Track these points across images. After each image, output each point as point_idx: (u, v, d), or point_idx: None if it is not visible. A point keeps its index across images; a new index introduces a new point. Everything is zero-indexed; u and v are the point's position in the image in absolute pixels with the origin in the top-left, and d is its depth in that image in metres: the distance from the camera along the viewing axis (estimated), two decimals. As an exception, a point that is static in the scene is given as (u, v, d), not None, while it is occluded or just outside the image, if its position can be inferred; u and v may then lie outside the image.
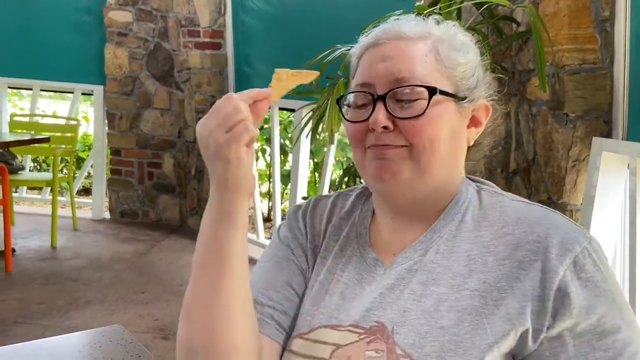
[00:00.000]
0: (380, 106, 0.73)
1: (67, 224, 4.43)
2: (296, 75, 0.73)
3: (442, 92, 0.74)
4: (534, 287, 0.68)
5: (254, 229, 4.16)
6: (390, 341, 0.69)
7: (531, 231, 0.71)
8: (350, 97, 0.78)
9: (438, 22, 0.79)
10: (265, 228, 4.28)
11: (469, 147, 0.81)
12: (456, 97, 0.75)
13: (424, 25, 0.78)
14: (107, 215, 4.86)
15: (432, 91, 0.73)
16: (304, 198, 3.21)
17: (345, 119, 0.78)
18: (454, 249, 0.74)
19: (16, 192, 4.79)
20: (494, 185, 0.82)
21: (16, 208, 4.55)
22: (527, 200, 0.79)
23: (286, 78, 0.73)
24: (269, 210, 4.93)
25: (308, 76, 0.74)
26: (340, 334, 0.73)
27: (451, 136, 0.75)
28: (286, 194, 4.88)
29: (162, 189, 4.74)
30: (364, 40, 0.80)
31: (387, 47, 0.76)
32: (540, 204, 0.77)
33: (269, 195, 5.03)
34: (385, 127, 0.73)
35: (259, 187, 4.41)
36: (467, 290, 0.70)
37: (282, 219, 4.28)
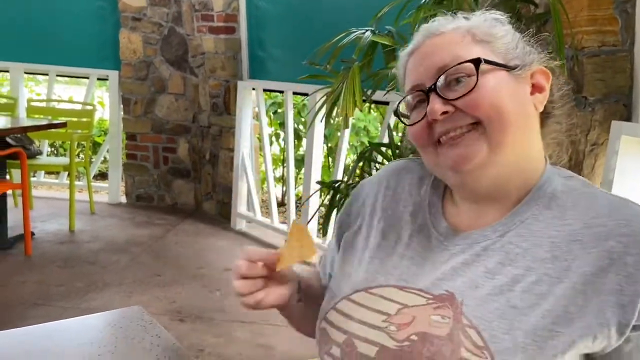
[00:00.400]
0: (433, 97, 0.74)
1: (85, 208, 4.50)
2: (303, 249, 0.76)
3: (488, 62, 0.74)
4: (623, 280, 0.66)
5: (268, 213, 4.19)
6: (457, 311, 0.70)
7: (626, 224, 0.69)
8: (404, 105, 0.80)
9: (467, 18, 0.80)
10: (279, 213, 4.30)
11: (543, 124, 0.79)
12: (506, 67, 0.75)
13: (453, 21, 0.80)
14: (123, 199, 4.92)
15: (477, 62, 0.73)
16: (318, 182, 3.22)
17: (407, 125, 0.80)
18: (536, 233, 0.73)
19: (34, 176, 4.86)
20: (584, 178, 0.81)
21: (34, 192, 4.62)
22: (621, 196, 0.76)
23: (292, 250, 0.76)
24: (283, 195, 4.95)
25: (309, 253, 0.76)
26: (408, 296, 0.75)
27: (515, 102, 0.74)
28: (300, 178, 4.89)
29: (177, 173, 4.78)
30: (403, 52, 0.83)
31: (424, 48, 0.78)
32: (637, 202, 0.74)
33: (282, 180, 5.05)
34: (444, 113, 0.73)
35: (273, 171, 4.42)
36: (546, 276, 0.69)
37: (297, 203, 4.28)
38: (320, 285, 0.95)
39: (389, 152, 2.25)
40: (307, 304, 0.88)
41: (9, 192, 3.75)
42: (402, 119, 0.82)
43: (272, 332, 2.70)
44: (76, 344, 0.91)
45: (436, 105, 0.73)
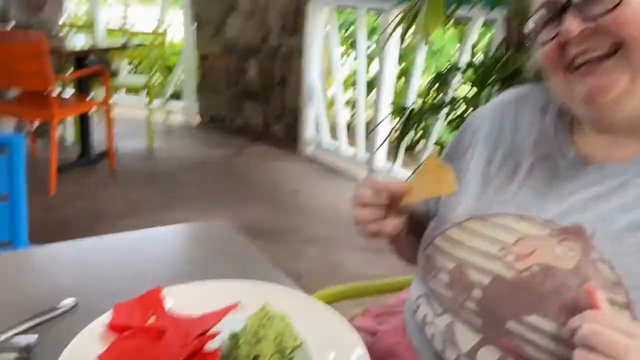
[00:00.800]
0: (570, 13, 0.66)
1: (162, 127, 4.70)
2: (438, 183, 0.72)
3: None
4: None
5: (336, 138, 4.19)
6: (587, 244, 0.66)
7: None
8: (533, 21, 0.72)
9: None
10: (348, 138, 4.29)
11: None
12: None
13: None
14: (196, 120, 5.07)
15: None
16: (391, 106, 3.15)
17: (536, 46, 0.72)
18: None
19: (115, 95, 5.08)
20: None
21: (115, 111, 4.85)
22: None
23: (428, 182, 0.73)
24: (351, 120, 4.91)
25: (447, 188, 0.72)
26: (530, 226, 0.71)
27: None
28: (370, 102, 4.81)
29: (247, 95, 4.83)
30: None
31: None
32: None
33: (352, 103, 4.99)
34: (581, 33, 0.65)
35: (343, 95, 4.36)
36: None
37: (366, 129, 4.22)
38: (420, 214, 0.92)
39: (470, 74, 2.14)
40: (410, 234, 0.87)
41: (93, 109, 3.95)
42: (529, 38, 0.73)
43: (340, 252, 2.79)
44: (165, 252, 0.98)
45: (572, 23, 0.65)
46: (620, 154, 0.71)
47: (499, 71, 2.06)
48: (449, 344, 0.74)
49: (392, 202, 0.76)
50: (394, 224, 0.78)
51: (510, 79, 2.06)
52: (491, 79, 2.08)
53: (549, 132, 0.79)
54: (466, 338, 0.72)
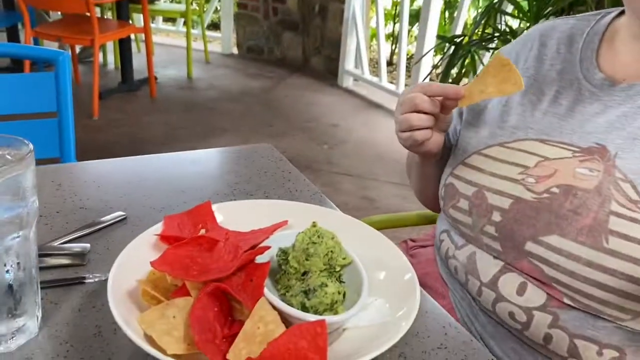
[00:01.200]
0: None
1: (200, 56, 4.66)
2: (503, 83, 0.68)
3: None
4: None
5: (376, 72, 4.08)
6: (609, 163, 0.66)
7: None
8: None
9: None
10: (388, 72, 4.17)
11: None
12: None
13: None
14: (234, 50, 5.01)
15: None
16: (439, 37, 3.02)
17: None
18: None
19: (153, 22, 5.04)
20: None
21: (154, 39, 4.83)
22: None
23: (490, 84, 0.69)
24: (392, 53, 4.76)
25: (513, 87, 0.68)
26: (551, 149, 0.71)
27: None
28: (412, 36, 4.63)
29: (286, 25, 4.71)
30: None
31: None
32: None
33: (393, 37, 4.82)
34: None
35: (384, 27, 4.21)
36: None
37: (407, 63, 4.10)
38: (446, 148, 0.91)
39: (524, 4, 2.01)
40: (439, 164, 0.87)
41: (132, 37, 3.93)
42: None
43: (375, 187, 2.78)
44: (211, 172, 0.98)
45: None
46: None
47: (555, 2, 1.93)
48: (471, 275, 0.75)
49: (443, 109, 0.75)
50: (437, 139, 0.78)
51: (568, 9, 1.93)
52: (546, 11, 1.95)
53: (574, 60, 0.78)
54: (487, 267, 0.73)
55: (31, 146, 0.52)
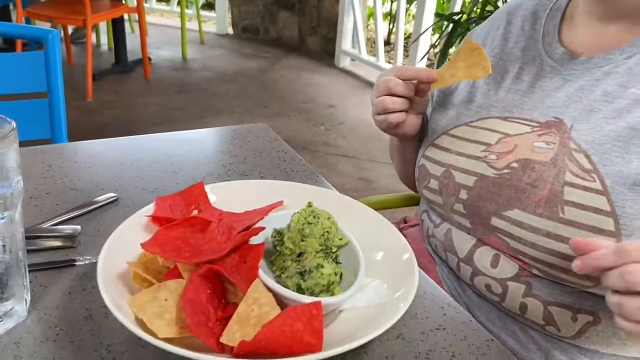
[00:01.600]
0: None
1: (194, 37, 4.59)
2: (473, 68, 0.70)
3: None
4: None
5: (373, 52, 4.03)
6: (565, 136, 0.67)
7: None
8: None
9: None
10: (385, 52, 4.12)
11: None
12: None
13: None
14: (230, 30, 4.94)
15: None
16: (437, 15, 2.97)
17: None
18: None
19: (146, 2, 4.95)
20: None
21: (147, 19, 4.76)
22: None
23: (459, 69, 0.71)
24: (390, 33, 4.70)
25: (481, 72, 0.70)
26: (512, 125, 0.73)
27: None
28: (409, 15, 4.57)
29: (282, 5, 4.64)
30: None
31: None
32: None
33: (391, 16, 4.75)
34: None
35: (382, 6, 4.14)
36: None
37: (405, 42, 4.03)
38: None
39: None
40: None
41: (125, 17, 3.86)
42: None
43: (373, 168, 2.76)
44: (205, 152, 0.96)
45: None
46: (607, 44, 0.71)
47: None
48: (449, 252, 0.78)
49: (417, 92, 0.76)
50: (414, 121, 0.80)
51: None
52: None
53: (537, 36, 0.79)
54: (462, 243, 0.75)
55: (14, 124, 0.50)
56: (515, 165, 0.69)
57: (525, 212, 0.66)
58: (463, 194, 0.73)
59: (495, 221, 0.69)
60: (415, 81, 0.75)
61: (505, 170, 0.69)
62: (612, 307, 0.52)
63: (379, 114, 0.78)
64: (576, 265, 0.55)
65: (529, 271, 0.68)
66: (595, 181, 0.62)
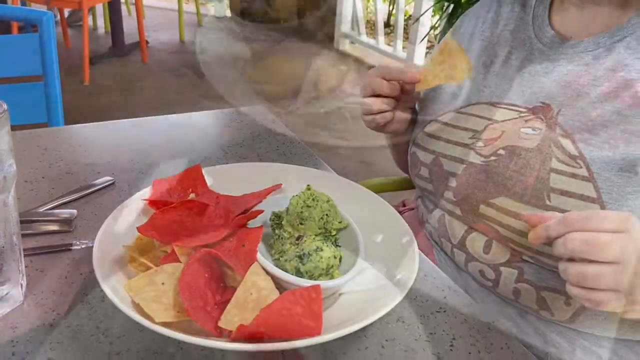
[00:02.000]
0: None
1: (192, 19, 4.54)
2: (453, 69, 0.71)
3: None
4: None
5: (373, 34, 3.99)
6: (551, 121, 0.66)
7: None
8: None
9: None
10: (385, 34, 4.08)
11: None
12: None
13: None
14: (228, 12, 4.89)
15: None
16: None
17: None
18: None
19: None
20: None
21: (144, 1, 4.70)
22: None
23: (441, 71, 0.72)
24: (389, 15, 4.65)
25: (461, 73, 0.70)
26: (500, 111, 0.72)
27: None
28: (410, -4, 4.51)
29: (281, -13, 4.59)
30: None
31: None
32: None
33: (390, -3, 4.70)
34: None
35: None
36: None
37: (405, 24, 3.99)
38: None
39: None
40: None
41: (122, 0, 3.82)
42: None
43: (373, 151, 2.75)
44: (202, 135, 0.94)
45: None
46: (597, 28, 0.70)
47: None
48: (443, 238, 0.77)
49: (403, 91, 0.77)
50: (401, 118, 0.80)
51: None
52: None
53: (527, 18, 0.78)
54: (455, 229, 0.74)
55: (5, 106, 0.49)
56: (502, 152, 0.68)
57: (512, 199, 0.65)
58: (452, 182, 0.73)
59: (484, 209, 0.69)
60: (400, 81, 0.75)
61: (492, 158, 0.69)
62: (562, 275, 0.54)
63: (365, 115, 0.79)
64: (530, 236, 0.57)
65: (520, 257, 0.68)
66: (581, 167, 0.62)
